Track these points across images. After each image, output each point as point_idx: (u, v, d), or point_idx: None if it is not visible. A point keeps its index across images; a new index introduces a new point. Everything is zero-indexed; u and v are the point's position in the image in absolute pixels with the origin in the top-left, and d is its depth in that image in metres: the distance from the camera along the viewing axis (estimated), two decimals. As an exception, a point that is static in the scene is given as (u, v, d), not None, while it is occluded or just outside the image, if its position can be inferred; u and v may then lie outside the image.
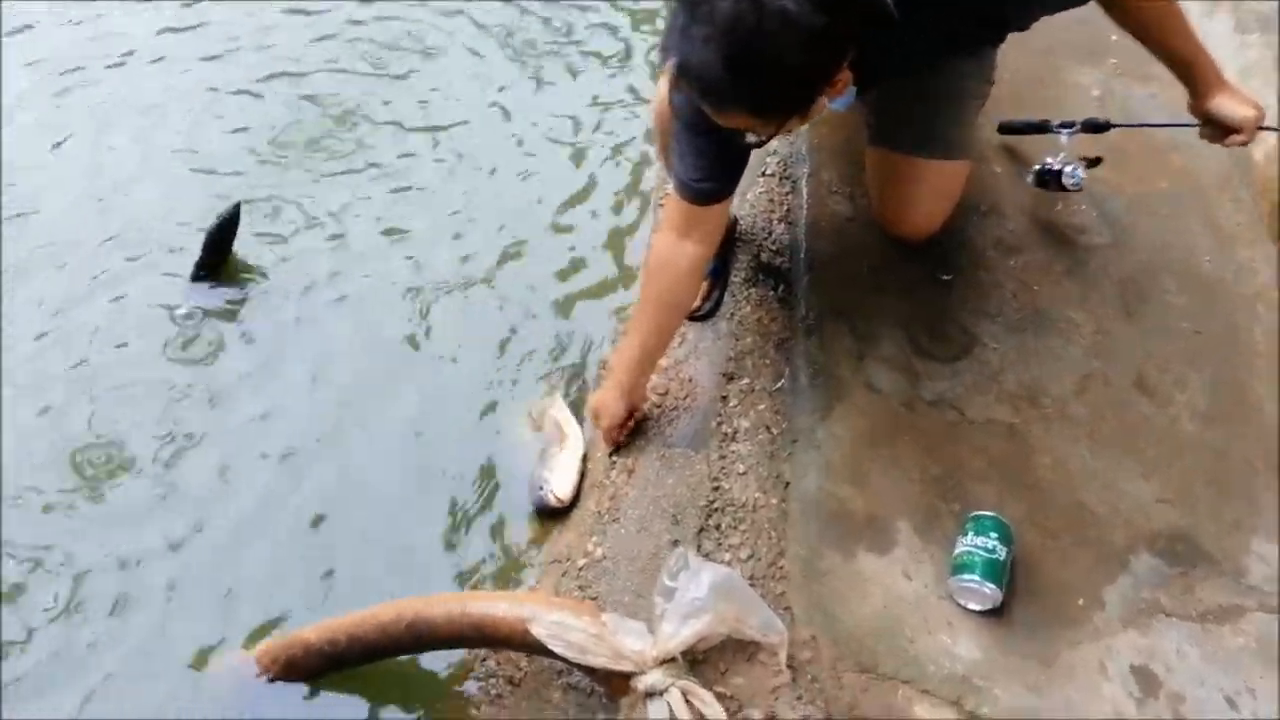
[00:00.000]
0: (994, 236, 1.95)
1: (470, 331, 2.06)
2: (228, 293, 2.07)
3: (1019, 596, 1.42)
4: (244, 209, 2.08)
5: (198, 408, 1.89)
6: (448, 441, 1.88)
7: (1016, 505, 1.53)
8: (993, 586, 1.37)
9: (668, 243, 1.60)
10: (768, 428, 1.63)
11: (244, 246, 2.13)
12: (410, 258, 2.20)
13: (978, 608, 1.39)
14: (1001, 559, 1.39)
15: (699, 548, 1.51)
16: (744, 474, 1.57)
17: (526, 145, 2.48)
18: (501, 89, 2.61)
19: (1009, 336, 1.77)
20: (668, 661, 1.27)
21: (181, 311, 2.02)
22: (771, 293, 1.87)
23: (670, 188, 1.60)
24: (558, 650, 1.29)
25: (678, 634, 1.27)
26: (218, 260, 2.07)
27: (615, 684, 1.32)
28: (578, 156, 2.45)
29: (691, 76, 1.24)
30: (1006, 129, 2.02)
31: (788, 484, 1.54)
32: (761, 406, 1.66)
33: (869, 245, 1.89)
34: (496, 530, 1.76)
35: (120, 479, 1.78)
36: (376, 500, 1.79)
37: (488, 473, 1.83)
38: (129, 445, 1.82)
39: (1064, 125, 1.88)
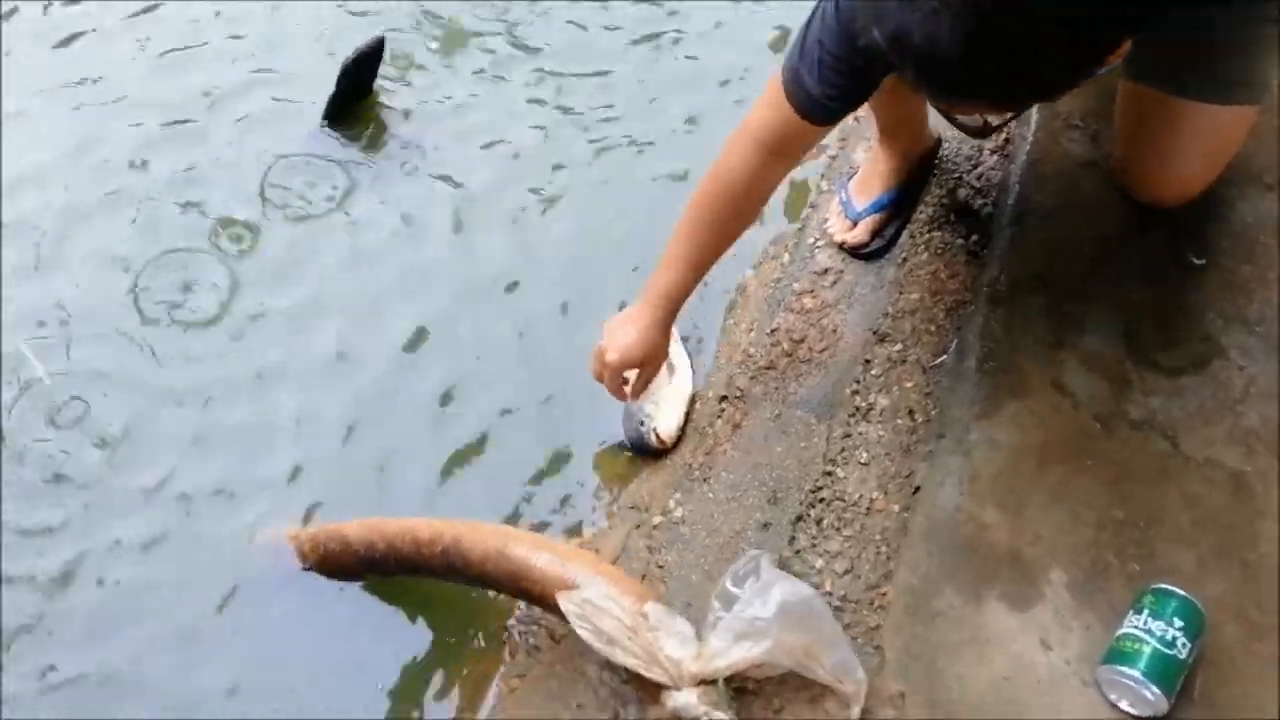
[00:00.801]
0: (1272, 217, 1.48)
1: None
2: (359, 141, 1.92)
3: (1190, 707, 1.07)
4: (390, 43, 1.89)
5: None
6: (560, 335, 1.67)
7: (1219, 582, 1.15)
8: (1158, 691, 1.03)
9: (756, 156, 1.27)
10: (910, 412, 1.31)
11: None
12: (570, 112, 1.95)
13: (1132, 711, 1.06)
14: (1182, 658, 1.04)
15: (791, 540, 1.24)
16: (866, 464, 1.27)
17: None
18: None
19: (1264, 356, 1.34)
20: (708, 682, 1.03)
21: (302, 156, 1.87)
22: (960, 241, 1.50)
23: (781, 82, 1.23)
24: (584, 634, 1.07)
25: (726, 653, 1.02)
26: (355, 101, 1.90)
27: (648, 687, 1.10)
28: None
29: (913, 56, 0.88)
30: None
31: (917, 489, 1.23)
32: (909, 384, 1.34)
33: (1104, 203, 1.47)
34: (580, 458, 1.55)
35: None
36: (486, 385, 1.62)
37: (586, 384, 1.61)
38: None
39: None
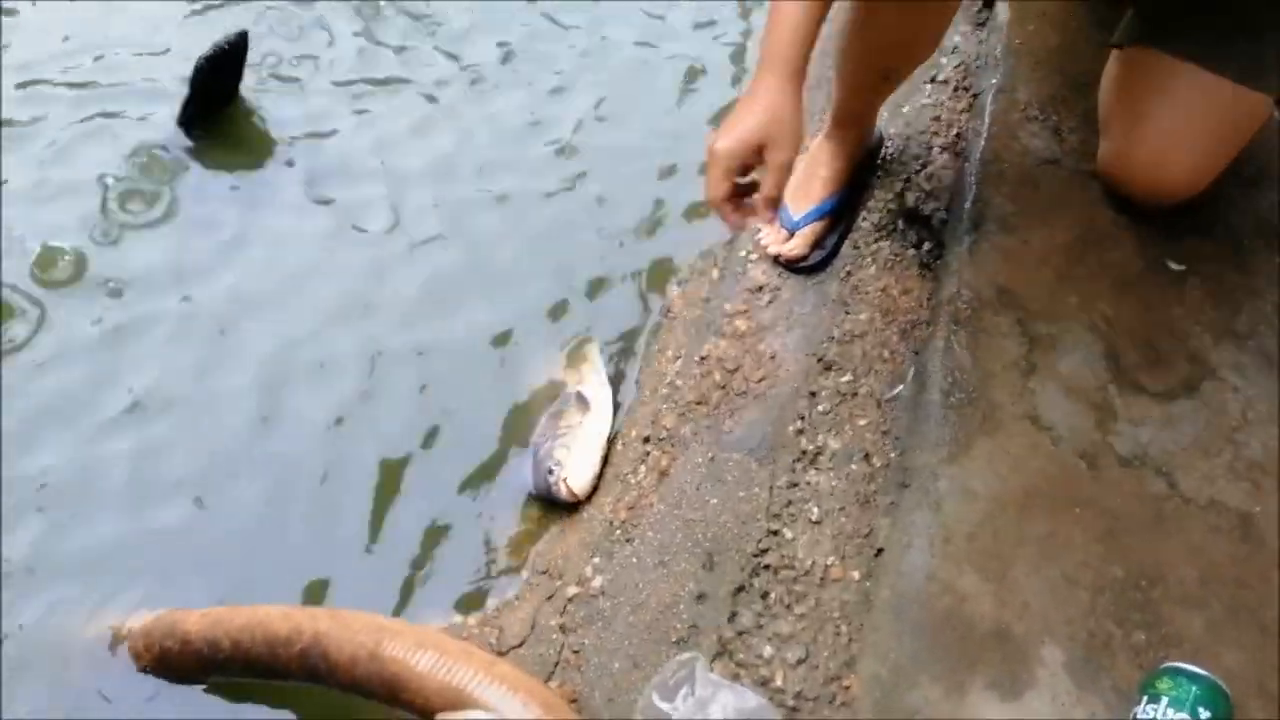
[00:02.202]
0: (1258, 217, 1.33)
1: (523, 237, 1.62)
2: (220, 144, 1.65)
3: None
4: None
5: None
6: (459, 374, 1.45)
7: (1236, 651, 0.97)
8: (1188, 801, 0.84)
9: None
10: (867, 455, 1.11)
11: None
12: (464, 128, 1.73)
13: (1153, 824, 0.87)
14: (1210, 756, 0.85)
15: (732, 617, 1.03)
16: (817, 522, 1.06)
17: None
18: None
19: (1260, 374, 1.17)
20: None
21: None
22: (911, 251, 1.31)
23: None
24: (473, 768, 0.84)
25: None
26: (217, 104, 1.64)
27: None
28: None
29: None
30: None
31: (880, 552, 1.02)
32: (863, 421, 1.14)
33: (1069, 205, 1.30)
34: (483, 512, 1.33)
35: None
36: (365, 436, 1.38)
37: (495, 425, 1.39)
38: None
39: None
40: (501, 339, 1.49)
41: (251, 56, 1.66)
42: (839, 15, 1.24)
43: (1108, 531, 1.03)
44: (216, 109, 1.65)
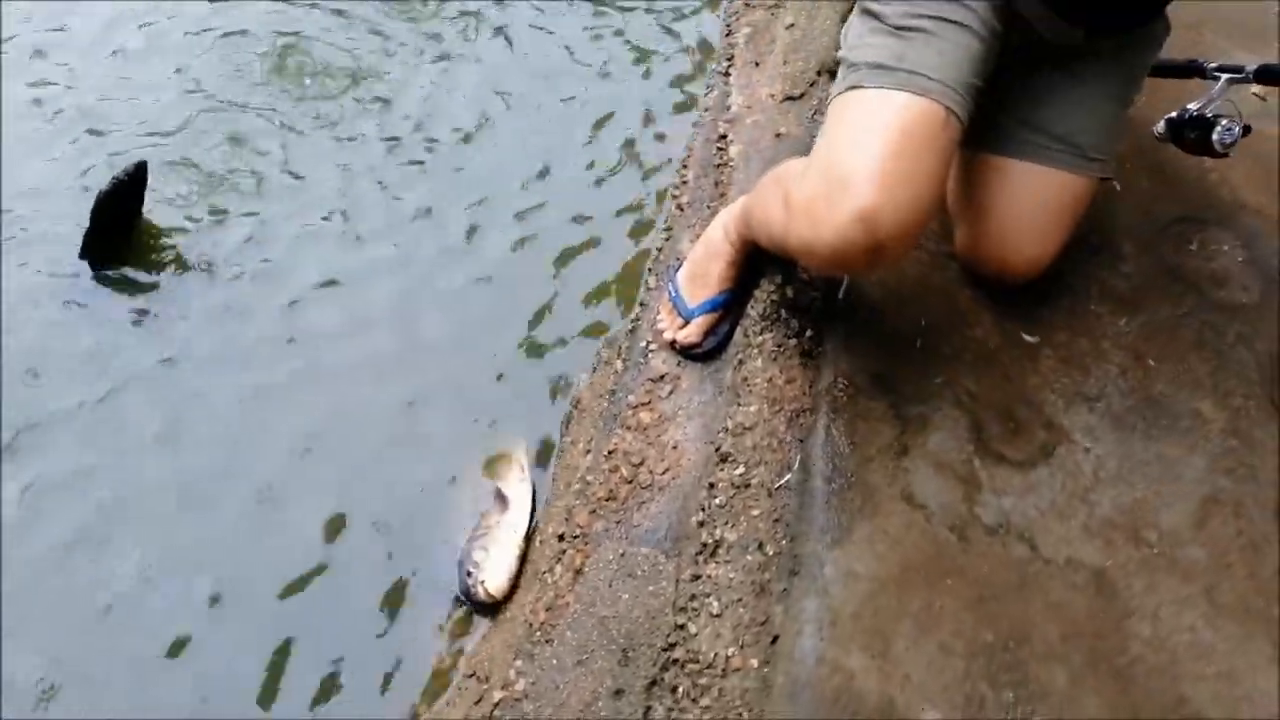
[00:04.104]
0: (1103, 284, 1.47)
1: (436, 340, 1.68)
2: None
3: None
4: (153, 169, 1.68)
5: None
6: (382, 475, 1.51)
7: (1095, 698, 1.08)
8: None
9: None
10: (760, 545, 1.20)
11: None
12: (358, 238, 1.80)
13: None
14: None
15: (646, 712, 1.11)
16: (718, 615, 1.15)
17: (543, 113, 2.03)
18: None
19: (1110, 434, 1.30)
20: None
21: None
22: (793, 341, 1.41)
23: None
24: None
25: None
26: (115, 235, 1.68)
27: None
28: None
29: None
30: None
31: (775, 639, 1.11)
32: (756, 511, 1.23)
33: (933, 285, 1.42)
34: (412, 611, 1.39)
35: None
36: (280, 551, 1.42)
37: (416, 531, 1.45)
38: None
39: (1225, 69, 1.33)
40: (423, 438, 1.55)
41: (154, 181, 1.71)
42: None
43: (978, 599, 1.14)
44: (119, 238, 1.69)
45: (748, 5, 2.19)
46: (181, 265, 1.71)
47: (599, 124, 2.07)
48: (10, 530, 1.40)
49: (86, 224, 1.62)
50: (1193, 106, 1.30)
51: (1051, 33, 1.27)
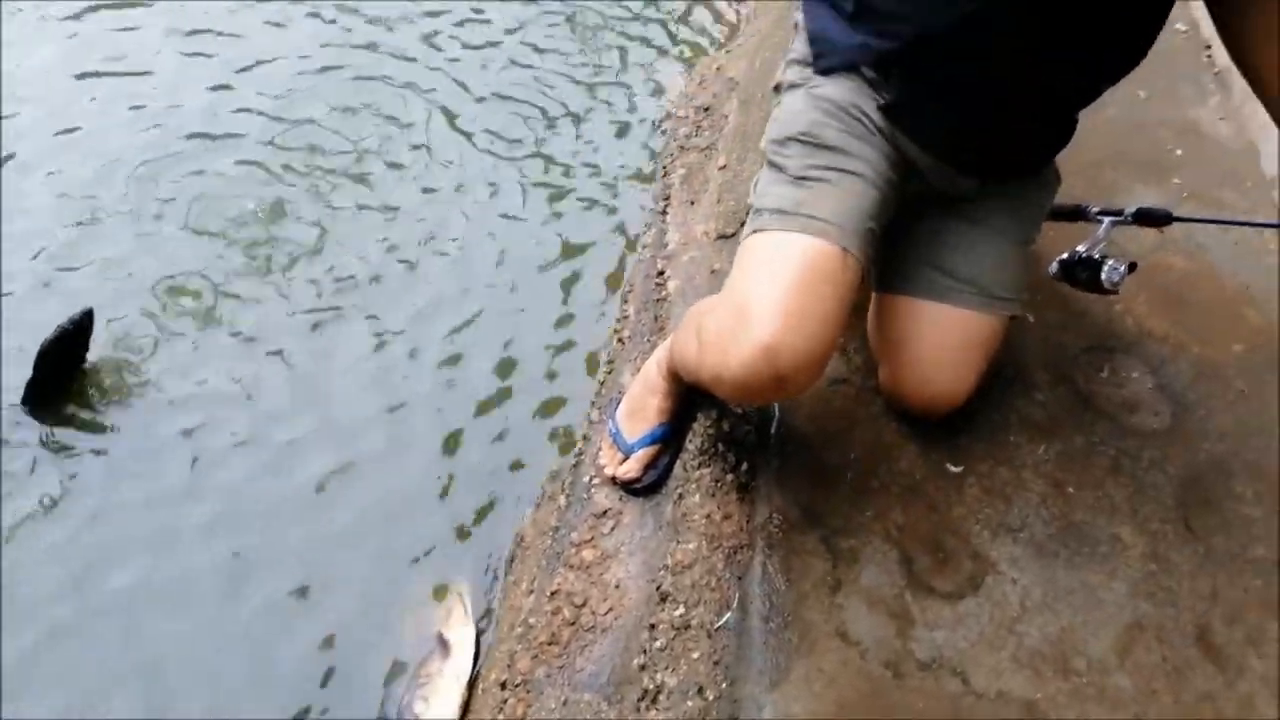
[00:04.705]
0: (1020, 413, 1.54)
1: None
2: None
3: None
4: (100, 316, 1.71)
5: None
6: (335, 619, 1.50)
7: (1032, 836, 1.10)
8: None
9: None
10: (700, 690, 1.21)
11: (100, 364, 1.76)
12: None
13: None
14: None
15: None
16: (660, 764, 1.15)
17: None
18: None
19: (1033, 563, 1.35)
20: None
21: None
22: (730, 475, 1.45)
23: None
24: None
25: None
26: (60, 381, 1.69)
27: None
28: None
29: None
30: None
31: (717, 790, 1.12)
32: (696, 654, 1.25)
33: (857, 421, 1.48)
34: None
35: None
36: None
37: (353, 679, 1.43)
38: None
39: (1107, 212, 1.45)
40: (370, 580, 1.55)
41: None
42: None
43: (913, 737, 1.16)
44: (64, 383, 1.70)
45: (683, 149, 2.31)
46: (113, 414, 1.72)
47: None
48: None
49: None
50: (1081, 248, 1.40)
51: (946, 183, 1.37)
